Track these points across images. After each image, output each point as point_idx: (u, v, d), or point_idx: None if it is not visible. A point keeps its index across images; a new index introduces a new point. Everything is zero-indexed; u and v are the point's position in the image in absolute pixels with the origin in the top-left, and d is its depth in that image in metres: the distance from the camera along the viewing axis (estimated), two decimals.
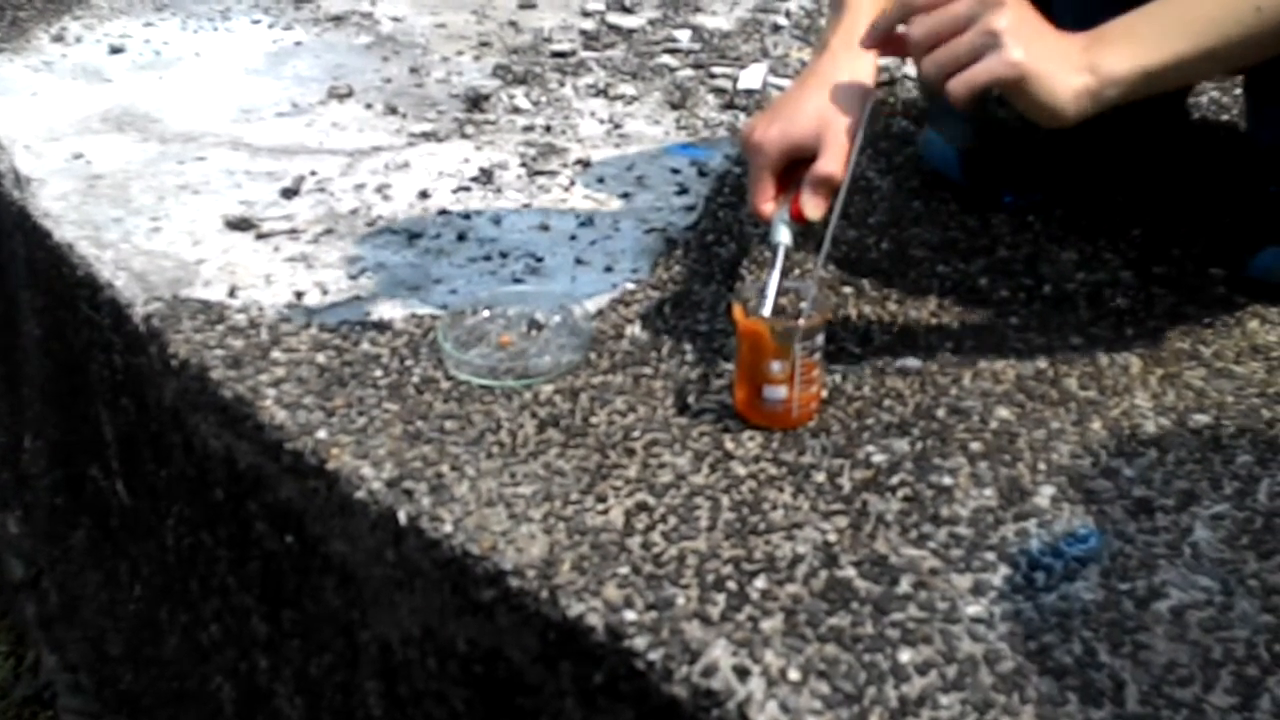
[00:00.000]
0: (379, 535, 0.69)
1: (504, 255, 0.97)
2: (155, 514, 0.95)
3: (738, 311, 0.72)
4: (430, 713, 0.72)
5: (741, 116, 1.25)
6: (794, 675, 0.55)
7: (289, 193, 1.08)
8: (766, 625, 0.59)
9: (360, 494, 0.70)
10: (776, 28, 1.55)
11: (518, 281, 0.93)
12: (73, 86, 1.34)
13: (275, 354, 0.82)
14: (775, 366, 0.71)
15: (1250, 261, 0.88)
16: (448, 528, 0.66)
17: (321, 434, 0.73)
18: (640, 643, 0.58)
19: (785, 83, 1.34)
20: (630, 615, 0.59)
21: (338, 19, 1.59)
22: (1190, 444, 0.71)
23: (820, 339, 0.72)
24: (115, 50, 1.45)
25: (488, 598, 0.64)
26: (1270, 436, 0.72)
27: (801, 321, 0.71)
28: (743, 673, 0.56)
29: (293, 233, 1.00)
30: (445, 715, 0.71)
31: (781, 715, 0.54)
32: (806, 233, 0.79)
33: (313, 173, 1.12)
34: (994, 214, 1.01)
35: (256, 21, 1.57)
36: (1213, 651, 0.56)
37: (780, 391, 0.72)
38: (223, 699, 0.93)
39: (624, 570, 0.62)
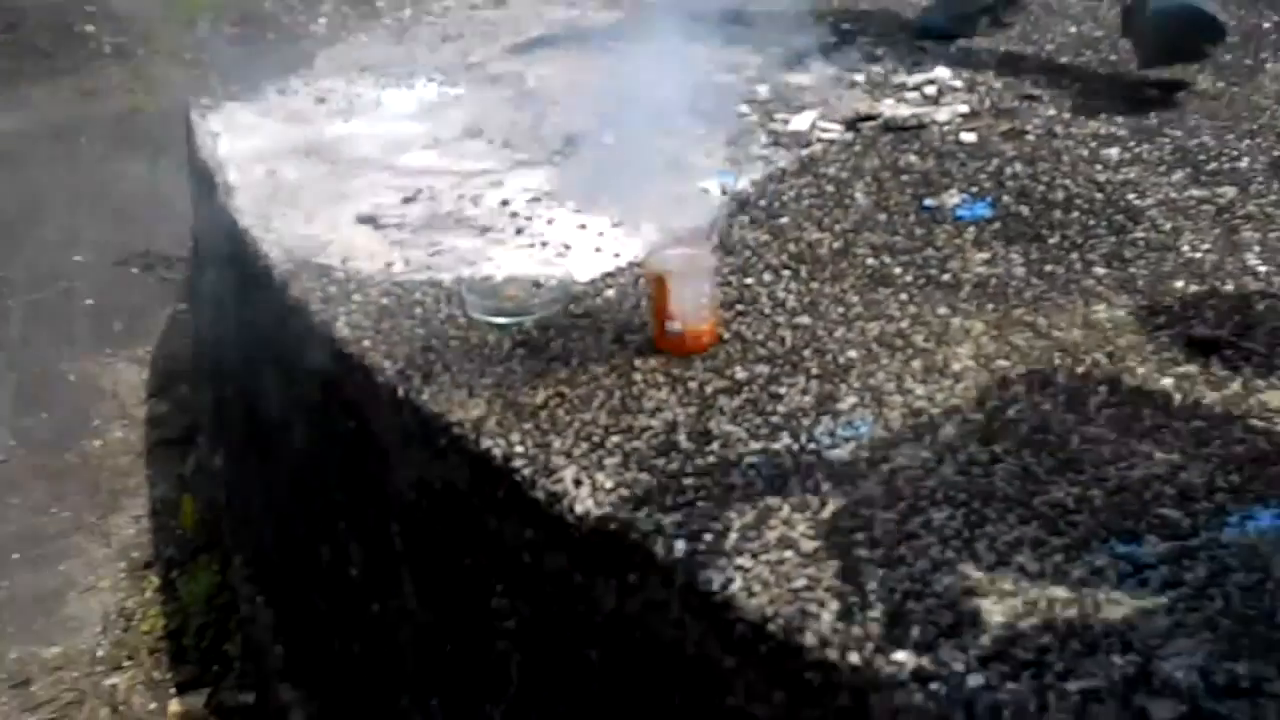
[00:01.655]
0: (389, 408, 1.01)
1: (545, 244, 1.28)
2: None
3: (648, 263, 1.00)
4: (418, 526, 1.02)
5: (781, 152, 1.52)
6: (610, 488, 0.82)
7: (408, 200, 1.43)
8: (608, 461, 0.86)
9: (380, 379, 1.01)
10: (851, 84, 1.80)
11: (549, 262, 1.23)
12: (281, 126, 1.76)
13: (355, 297, 1.16)
14: (670, 305, 0.98)
15: None
16: (427, 400, 0.97)
17: (366, 343, 1.06)
18: (522, 465, 0.86)
19: (832, 127, 1.59)
20: (519, 449, 0.88)
21: (495, 78, 1.97)
22: (979, 378, 0.93)
23: (707, 288, 0.99)
24: (319, 100, 1.87)
25: (443, 444, 0.94)
26: (1047, 375, 0.92)
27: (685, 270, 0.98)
28: (578, 483, 0.83)
29: (399, 226, 1.35)
30: (423, 524, 1.01)
31: (595, 508, 0.81)
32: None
33: (430, 186, 1.47)
34: (938, 225, 1.23)
35: (432, 80, 1.97)
36: (910, 492, 0.79)
37: (676, 325, 0.99)
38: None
39: (528, 427, 0.91)
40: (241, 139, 1.71)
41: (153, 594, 2.12)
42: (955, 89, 1.68)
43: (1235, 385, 0.89)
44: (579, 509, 0.81)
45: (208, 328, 1.81)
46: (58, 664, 1.97)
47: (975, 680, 0.62)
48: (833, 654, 0.65)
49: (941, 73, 1.74)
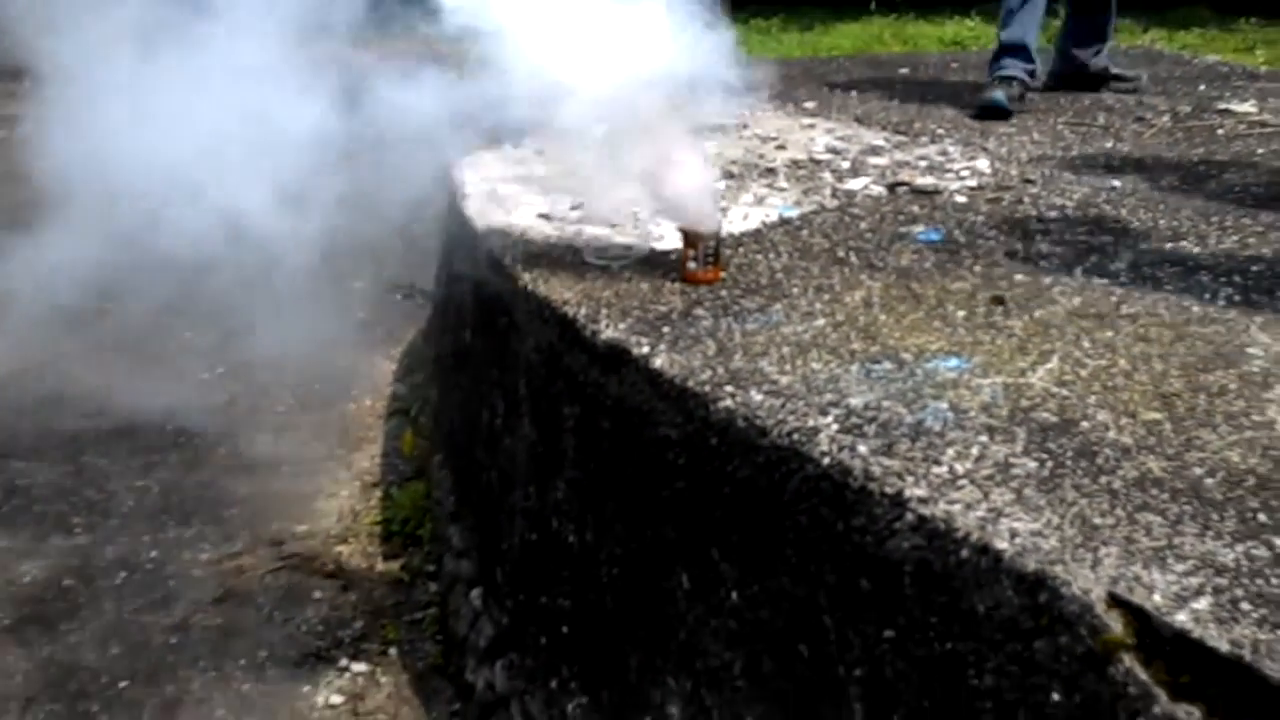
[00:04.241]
0: (509, 293, 1.72)
1: (635, 224, 1.98)
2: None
3: (680, 226, 1.68)
4: (539, 387, 1.72)
5: (833, 199, 2.17)
6: (624, 328, 1.50)
7: (576, 205, 2.17)
8: (630, 319, 1.53)
9: (521, 284, 1.73)
10: (909, 164, 2.42)
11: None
12: (507, 165, 2.56)
13: (519, 247, 1.89)
14: (691, 251, 1.66)
15: None
16: (544, 290, 1.67)
17: (521, 266, 1.78)
18: (584, 320, 1.55)
19: (876, 188, 2.23)
20: (584, 314, 1.57)
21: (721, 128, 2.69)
22: (852, 303, 1.55)
23: (712, 246, 1.65)
24: (538, 152, 2.67)
25: (548, 316, 1.64)
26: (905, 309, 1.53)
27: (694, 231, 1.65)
28: (607, 325, 1.51)
29: (564, 220, 2.09)
30: (541, 384, 1.70)
31: (614, 334, 1.48)
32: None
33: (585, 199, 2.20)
34: (900, 242, 1.85)
35: None
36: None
37: (692, 265, 1.66)
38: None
39: (595, 303, 1.60)
40: (479, 172, 2.51)
41: (376, 501, 2.92)
42: (982, 172, 2.28)
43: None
44: (605, 335, 1.49)
45: (438, 305, 2.63)
46: (303, 536, 2.78)
47: None
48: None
49: (981, 164, 2.35)
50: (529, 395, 1.72)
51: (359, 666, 2.26)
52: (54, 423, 3.20)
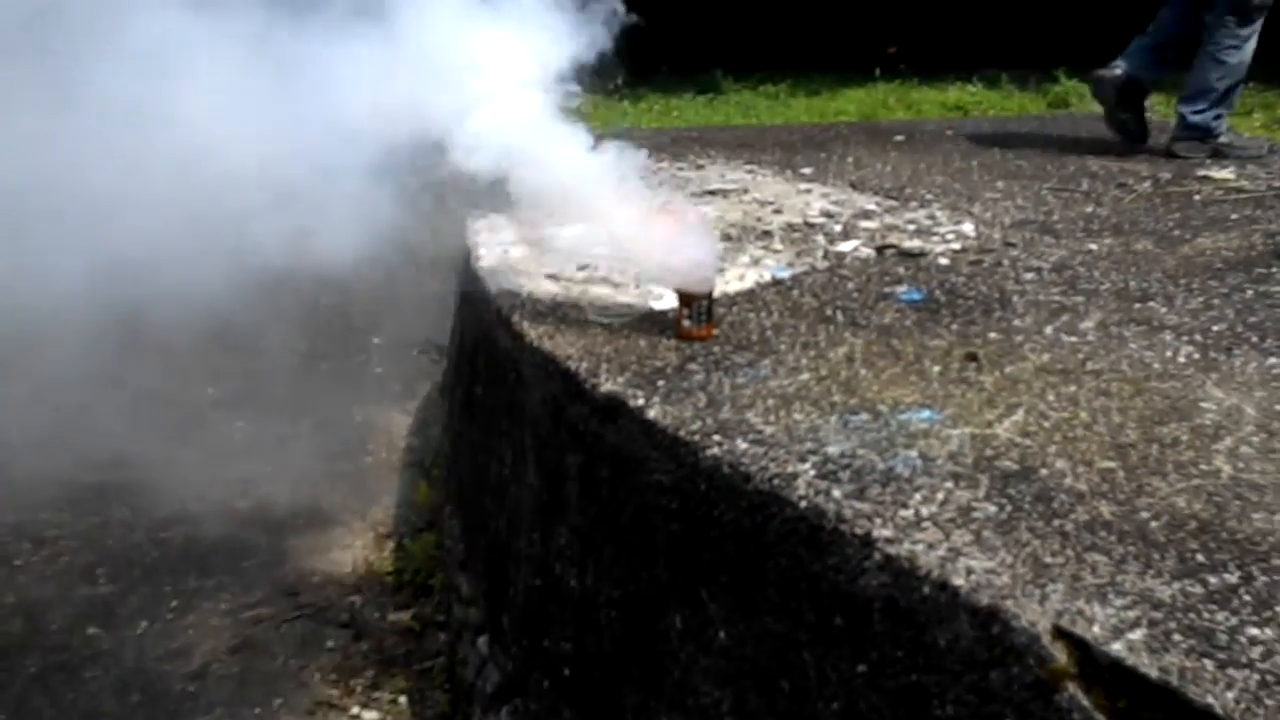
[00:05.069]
0: (517, 349, 1.83)
1: (635, 288, 2.10)
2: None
3: (676, 287, 1.80)
4: (543, 435, 1.82)
5: (825, 260, 2.28)
6: (621, 381, 1.61)
7: (582, 267, 2.29)
8: (627, 373, 1.64)
9: (526, 340, 1.84)
10: (898, 228, 2.54)
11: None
12: (520, 229, 2.68)
13: (530, 297, 2.00)
14: (685, 310, 1.77)
15: None
16: (548, 345, 1.78)
17: (528, 324, 1.90)
18: (580, 370, 1.66)
19: (866, 250, 2.34)
20: (585, 367, 1.68)
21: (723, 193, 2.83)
22: (835, 359, 1.66)
23: (705, 305, 1.77)
24: (549, 216, 2.79)
25: (554, 370, 1.75)
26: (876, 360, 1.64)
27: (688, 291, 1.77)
28: (606, 378, 1.62)
29: (571, 281, 2.21)
30: (546, 432, 1.81)
31: (612, 386, 1.60)
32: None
33: (597, 260, 2.32)
34: (884, 301, 1.96)
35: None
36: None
37: (687, 323, 1.77)
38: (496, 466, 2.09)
39: (596, 357, 1.71)
40: (493, 235, 2.64)
41: (389, 552, 3.01)
42: (966, 235, 2.40)
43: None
44: (604, 388, 1.60)
45: (452, 360, 2.75)
46: (318, 586, 2.88)
47: None
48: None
49: (966, 227, 2.47)
50: (534, 445, 1.83)
51: (370, 715, 2.35)
52: (81, 476, 3.31)
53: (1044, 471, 1.30)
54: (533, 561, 1.83)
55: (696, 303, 1.75)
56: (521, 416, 1.89)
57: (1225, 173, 3.07)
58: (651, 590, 1.50)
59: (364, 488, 3.39)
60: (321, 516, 3.20)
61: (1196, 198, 2.80)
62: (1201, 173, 3.08)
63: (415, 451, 3.57)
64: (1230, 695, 0.92)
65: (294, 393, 3.79)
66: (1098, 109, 3.63)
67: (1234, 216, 2.58)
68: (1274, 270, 2.10)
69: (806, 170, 3.30)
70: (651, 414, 1.49)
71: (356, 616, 2.72)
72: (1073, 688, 0.99)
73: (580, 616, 1.67)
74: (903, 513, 1.21)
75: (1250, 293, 1.97)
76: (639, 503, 1.50)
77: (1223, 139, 3.25)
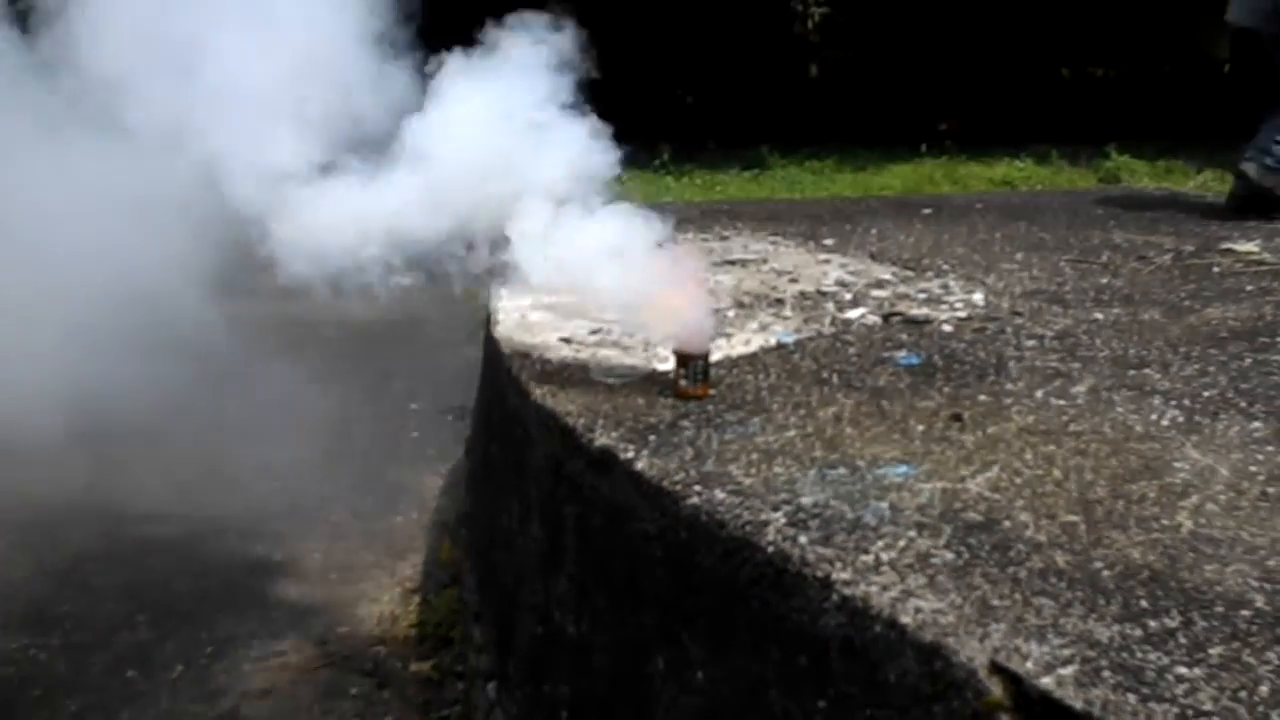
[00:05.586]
0: (523, 407, 1.92)
1: (644, 349, 2.18)
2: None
3: (674, 348, 1.88)
4: (548, 496, 1.91)
5: (830, 326, 2.35)
6: (617, 435, 1.69)
7: (594, 331, 2.39)
8: (625, 428, 1.73)
9: (535, 399, 1.94)
10: (908, 296, 2.61)
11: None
12: (538, 294, 2.79)
13: (541, 358, 2.10)
14: (682, 370, 1.85)
15: None
16: (552, 403, 1.87)
17: (535, 383, 1.99)
18: (577, 423, 1.75)
19: (872, 317, 2.41)
20: (583, 423, 1.76)
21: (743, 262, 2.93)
22: (826, 418, 1.73)
23: (701, 365, 1.85)
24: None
25: (559, 429, 1.84)
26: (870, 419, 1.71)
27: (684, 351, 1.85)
28: (603, 430, 1.71)
29: (582, 344, 2.30)
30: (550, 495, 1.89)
31: (608, 441, 1.68)
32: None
33: (617, 322, 2.42)
34: (881, 365, 2.03)
35: None
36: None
37: (684, 382, 1.86)
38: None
39: (597, 414, 1.79)
40: (513, 301, 2.75)
41: (414, 606, 3.10)
42: (975, 304, 2.47)
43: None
44: (599, 442, 1.68)
45: (475, 421, 2.87)
46: (345, 636, 2.96)
47: None
48: None
49: (976, 297, 2.53)
50: (538, 498, 1.91)
51: None
52: (124, 529, 3.45)
53: (1006, 523, 1.35)
54: (535, 610, 1.90)
55: (693, 363, 1.83)
56: (527, 471, 1.98)
57: (1250, 245, 3.10)
58: (638, 634, 1.56)
59: (394, 545, 3.49)
60: (352, 572, 3.31)
61: (1216, 270, 2.83)
62: (1225, 245, 3.12)
63: (442, 511, 3.67)
64: None
65: (330, 455, 3.93)
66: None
67: (1249, 288, 2.61)
68: (1278, 340, 2.13)
69: (829, 241, 3.39)
70: (639, 466, 1.56)
71: (380, 666, 2.79)
72: (1006, 719, 1.04)
73: (576, 661, 1.74)
74: (863, 558, 1.27)
75: (1249, 361, 2.00)
76: (628, 550, 1.57)
77: None
